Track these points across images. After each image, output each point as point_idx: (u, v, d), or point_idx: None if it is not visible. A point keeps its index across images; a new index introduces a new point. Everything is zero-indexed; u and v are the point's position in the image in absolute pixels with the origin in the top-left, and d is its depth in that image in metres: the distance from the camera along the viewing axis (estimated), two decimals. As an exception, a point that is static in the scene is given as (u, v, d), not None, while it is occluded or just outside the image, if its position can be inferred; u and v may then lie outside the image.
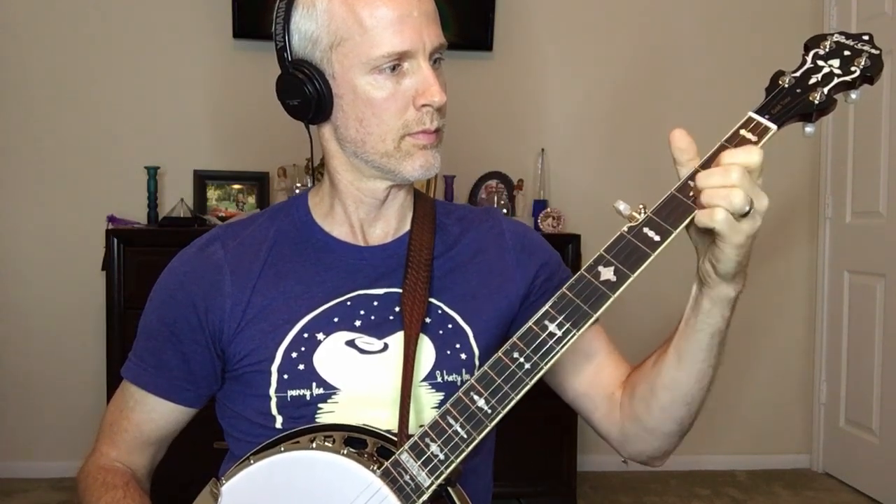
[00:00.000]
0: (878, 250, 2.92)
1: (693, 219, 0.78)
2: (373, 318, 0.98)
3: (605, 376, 1.02)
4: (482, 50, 3.05)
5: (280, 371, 0.95)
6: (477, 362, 1.00)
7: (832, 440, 3.19)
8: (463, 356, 0.99)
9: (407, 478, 0.81)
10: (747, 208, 0.75)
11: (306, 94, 0.94)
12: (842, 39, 0.84)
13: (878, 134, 2.90)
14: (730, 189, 0.75)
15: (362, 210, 1.02)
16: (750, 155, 0.76)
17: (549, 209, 2.98)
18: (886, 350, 2.87)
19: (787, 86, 0.82)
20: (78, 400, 2.95)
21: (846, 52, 0.83)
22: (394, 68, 0.91)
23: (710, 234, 0.79)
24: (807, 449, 3.29)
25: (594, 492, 2.90)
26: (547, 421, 2.56)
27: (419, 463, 0.81)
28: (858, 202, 3.05)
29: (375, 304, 0.99)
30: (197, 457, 1.42)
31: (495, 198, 3.03)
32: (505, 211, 2.96)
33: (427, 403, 0.97)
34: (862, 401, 3.00)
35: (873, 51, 0.82)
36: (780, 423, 3.30)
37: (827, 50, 0.84)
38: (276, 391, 0.95)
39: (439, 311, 1.00)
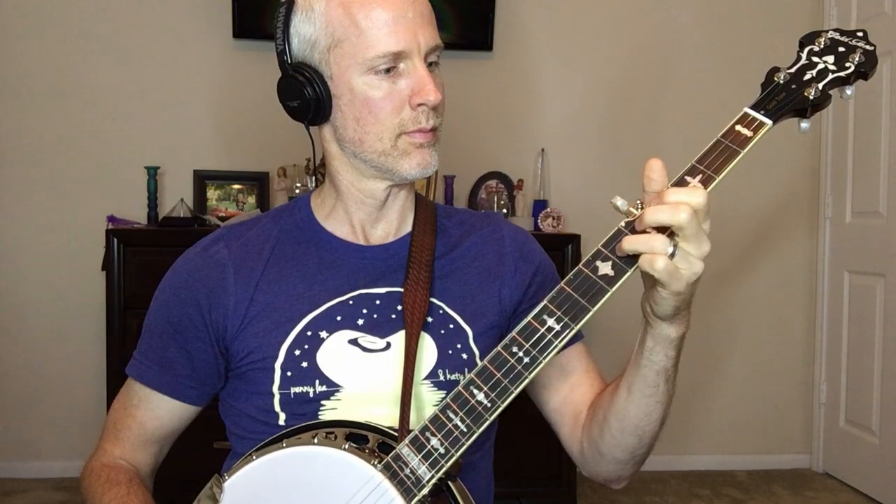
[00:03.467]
0: (878, 250, 2.92)
1: None
2: (375, 316, 0.99)
3: (578, 395, 1.04)
4: (482, 50, 3.06)
5: (283, 368, 0.96)
6: (477, 362, 1.00)
7: (832, 440, 3.19)
8: (464, 356, 1.00)
9: (407, 471, 0.82)
10: (671, 249, 0.74)
11: (306, 96, 0.96)
12: (836, 36, 0.85)
13: (877, 134, 2.90)
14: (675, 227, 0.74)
15: (363, 211, 1.03)
16: (694, 196, 0.74)
17: (548, 209, 2.98)
18: (886, 350, 2.87)
19: (782, 82, 0.82)
20: (78, 400, 2.95)
21: (840, 49, 0.84)
22: (389, 69, 0.93)
23: (651, 276, 0.78)
24: (807, 449, 3.29)
25: (594, 492, 2.90)
26: (547, 421, 2.56)
27: (419, 456, 0.82)
28: (858, 202, 3.05)
29: (377, 303, 1.00)
30: (199, 455, 1.42)
31: (495, 198, 3.03)
32: (505, 211, 2.96)
33: (428, 402, 0.98)
34: (862, 401, 3.00)
35: (867, 47, 0.83)
36: (780, 423, 3.30)
37: (821, 46, 0.85)
38: (280, 388, 0.96)
39: (440, 311, 1.01)
